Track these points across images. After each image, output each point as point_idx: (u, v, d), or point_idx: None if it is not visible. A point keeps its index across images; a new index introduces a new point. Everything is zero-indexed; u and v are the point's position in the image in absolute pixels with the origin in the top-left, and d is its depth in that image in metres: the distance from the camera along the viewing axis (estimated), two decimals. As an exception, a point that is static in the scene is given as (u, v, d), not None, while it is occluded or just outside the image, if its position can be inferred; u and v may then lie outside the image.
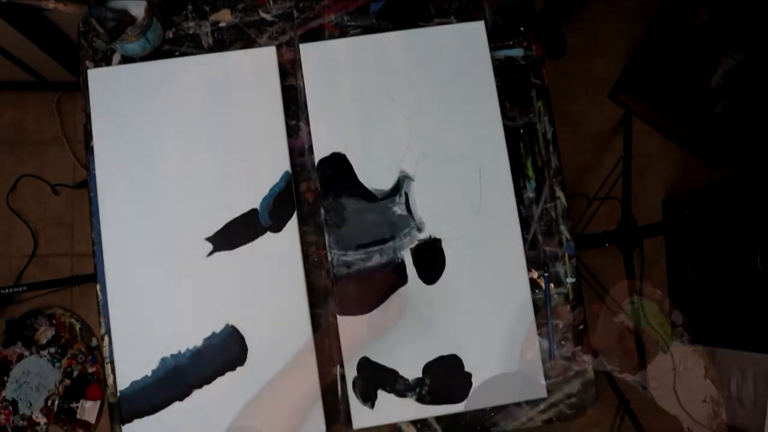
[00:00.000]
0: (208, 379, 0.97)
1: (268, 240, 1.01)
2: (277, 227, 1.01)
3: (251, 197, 1.02)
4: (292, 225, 1.01)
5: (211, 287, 1.00)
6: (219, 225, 1.01)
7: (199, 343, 0.98)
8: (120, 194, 1.01)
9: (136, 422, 0.96)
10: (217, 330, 0.99)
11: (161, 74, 1.04)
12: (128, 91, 1.03)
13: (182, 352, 0.98)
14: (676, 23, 1.95)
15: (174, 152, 1.02)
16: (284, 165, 1.03)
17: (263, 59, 1.05)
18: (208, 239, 1.01)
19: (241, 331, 0.99)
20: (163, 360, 0.98)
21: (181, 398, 0.97)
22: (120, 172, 1.02)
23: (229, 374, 0.98)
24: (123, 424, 0.96)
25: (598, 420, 1.89)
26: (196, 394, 0.97)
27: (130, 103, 1.03)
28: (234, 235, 1.01)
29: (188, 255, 1.00)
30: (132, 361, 0.98)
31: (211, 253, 1.00)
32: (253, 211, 1.02)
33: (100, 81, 1.04)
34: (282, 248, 1.01)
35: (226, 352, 0.98)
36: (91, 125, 1.03)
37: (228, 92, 1.04)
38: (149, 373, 0.97)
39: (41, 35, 1.51)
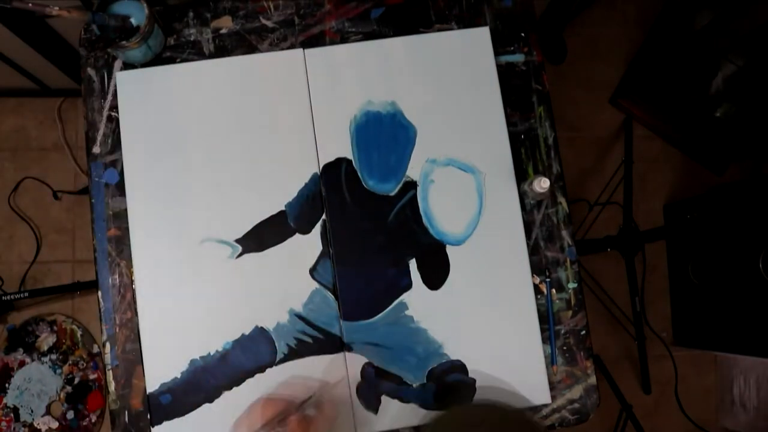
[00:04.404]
0: (238, 381, 0.98)
1: (297, 241, 1.01)
2: (305, 229, 1.01)
3: (280, 199, 1.02)
4: (321, 227, 1.02)
5: (240, 289, 1.00)
6: (248, 227, 1.01)
7: (228, 345, 0.98)
8: (148, 196, 1.01)
9: (166, 424, 0.96)
10: (247, 332, 0.99)
11: (189, 76, 1.05)
12: (157, 92, 1.04)
13: (211, 354, 0.98)
14: (677, 28, 1.95)
15: (203, 154, 1.03)
16: (313, 167, 1.03)
17: (291, 61, 1.06)
18: (237, 241, 1.01)
19: (270, 332, 0.99)
20: (192, 362, 0.98)
21: (210, 400, 0.97)
22: (148, 173, 1.02)
23: (258, 376, 0.98)
24: (152, 426, 0.96)
25: (601, 425, 1.89)
26: (226, 396, 0.97)
27: (159, 104, 1.03)
28: (263, 236, 1.01)
29: (217, 257, 1.00)
30: (161, 363, 0.98)
31: (240, 255, 1.00)
32: (282, 213, 1.02)
33: (129, 83, 1.04)
34: (311, 250, 1.01)
35: (255, 353, 0.98)
36: (94, 132, 1.03)
37: (257, 94, 1.04)
38: (178, 375, 0.98)
39: (43, 42, 1.52)
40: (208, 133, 1.03)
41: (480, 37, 1.08)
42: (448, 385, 0.99)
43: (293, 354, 0.99)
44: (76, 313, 1.89)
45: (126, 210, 1.01)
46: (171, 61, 1.06)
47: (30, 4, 0.86)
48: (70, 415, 1.80)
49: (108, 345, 0.99)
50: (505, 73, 1.08)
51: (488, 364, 1.00)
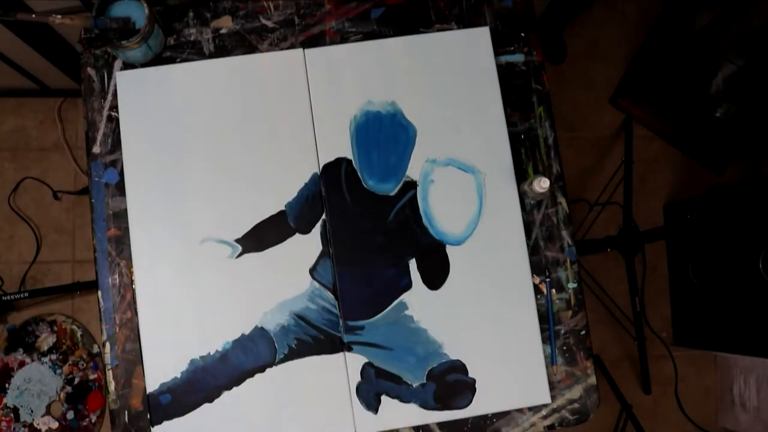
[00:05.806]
0: (238, 381, 0.98)
1: (296, 241, 1.01)
2: (305, 229, 1.02)
3: (280, 199, 1.02)
4: (321, 226, 1.02)
5: (240, 289, 1.00)
6: (248, 227, 1.01)
7: (228, 345, 0.99)
8: (148, 196, 1.02)
9: (166, 424, 0.97)
10: (247, 331, 0.99)
11: (189, 76, 1.05)
12: (157, 92, 1.04)
13: (211, 353, 0.98)
14: (677, 28, 1.95)
15: (203, 154, 1.03)
16: (313, 167, 1.03)
17: (291, 61, 1.06)
18: (237, 241, 1.01)
19: (270, 332, 0.99)
20: (192, 362, 0.98)
21: (210, 400, 0.97)
22: (148, 173, 1.02)
23: (258, 376, 0.98)
24: (152, 426, 0.97)
25: (601, 425, 1.88)
26: (226, 395, 0.98)
27: (159, 104, 1.04)
28: (263, 236, 1.01)
29: (217, 257, 1.01)
30: (161, 363, 0.98)
31: (240, 255, 1.00)
32: (282, 213, 1.02)
33: (129, 83, 1.04)
34: (311, 250, 1.01)
35: (255, 353, 0.99)
36: (94, 132, 1.03)
37: (257, 94, 1.05)
38: (178, 375, 0.98)
39: (43, 42, 1.52)
40: (208, 133, 1.03)
41: (480, 37, 1.08)
42: (448, 385, 0.99)
43: (293, 354, 0.99)
44: (76, 313, 1.89)
45: (126, 210, 1.01)
46: (171, 61, 1.06)
47: (33, 15, 0.87)
48: (70, 415, 1.80)
49: (108, 345, 0.99)
50: (505, 73, 1.08)
51: (488, 364, 1.00)
